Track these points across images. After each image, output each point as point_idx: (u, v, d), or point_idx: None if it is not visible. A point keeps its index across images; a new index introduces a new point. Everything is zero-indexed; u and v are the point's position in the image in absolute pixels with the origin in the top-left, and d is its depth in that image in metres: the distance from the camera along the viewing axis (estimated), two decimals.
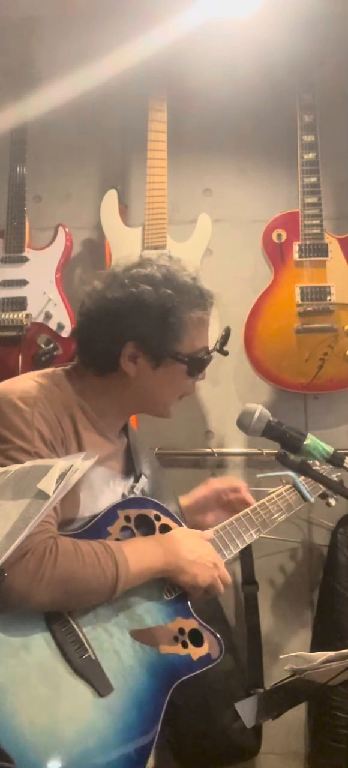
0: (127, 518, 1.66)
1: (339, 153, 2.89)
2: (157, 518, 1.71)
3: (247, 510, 1.84)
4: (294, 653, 1.61)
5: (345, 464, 1.56)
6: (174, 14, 2.56)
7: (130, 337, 1.67)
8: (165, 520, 1.72)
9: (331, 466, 1.62)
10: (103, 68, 2.64)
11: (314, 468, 1.69)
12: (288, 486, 1.93)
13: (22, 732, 1.39)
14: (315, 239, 2.71)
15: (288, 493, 1.91)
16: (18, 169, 2.80)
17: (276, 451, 1.60)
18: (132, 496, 1.74)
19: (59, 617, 1.50)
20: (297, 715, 2.67)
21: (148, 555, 1.60)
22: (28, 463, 1.30)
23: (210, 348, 1.76)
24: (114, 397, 1.73)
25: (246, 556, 2.58)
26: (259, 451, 2.72)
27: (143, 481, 1.79)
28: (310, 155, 2.73)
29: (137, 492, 1.76)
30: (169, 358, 1.68)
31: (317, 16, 2.68)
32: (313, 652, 1.82)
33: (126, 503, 1.69)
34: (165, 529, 1.71)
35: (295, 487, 1.93)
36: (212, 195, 2.98)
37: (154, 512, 1.71)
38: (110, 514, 1.65)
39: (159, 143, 2.75)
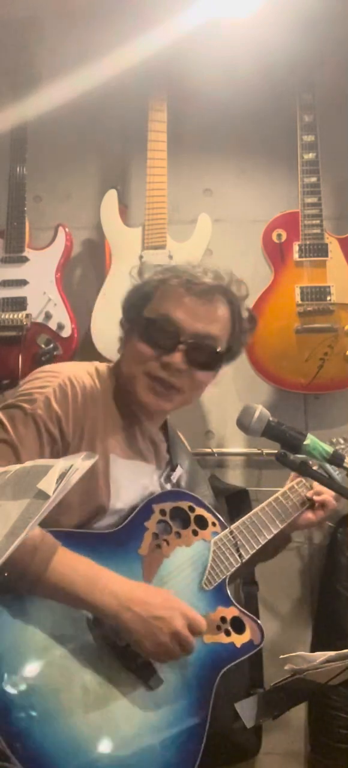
0: (163, 512, 1.68)
1: (339, 153, 2.89)
2: (192, 509, 1.73)
3: (263, 505, 1.84)
4: (294, 653, 1.61)
5: (345, 464, 1.56)
6: (174, 14, 2.56)
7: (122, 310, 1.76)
8: (199, 511, 1.74)
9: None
10: (103, 68, 2.64)
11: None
12: (299, 479, 1.89)
13: (80, 730, 1.42)
14: (315, 239, 2.71)
15: (299, 486, 1.89)
16: (18, 169, 2.80)
17: (276, 451, 1.60)
18: (166, 489, 1.76)
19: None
20: (297, 715, 2.67)
21: (78, 579, 1.47)
22: (29, 463, 1.30)
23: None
24: (122, 376, 1.75)
25: None
26: (259, 451, 2.72)
27: (179, 471, 1.81)
28: (310, 155, 2.73)
29: (173, 480, 1.78)
30: (136, 322, 1.71)
31: (317, 16, 2.68)
32: (313, 652, 1.82)
33: (160, 497, 1.70)
34: (199, 520, 1.72)
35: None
36: (212, 195, 2.98)
37: (189, 504, 1.73)
38: (146, 509, 1.67)
39: (159, 143, 2.75)
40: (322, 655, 1.53)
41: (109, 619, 1.49)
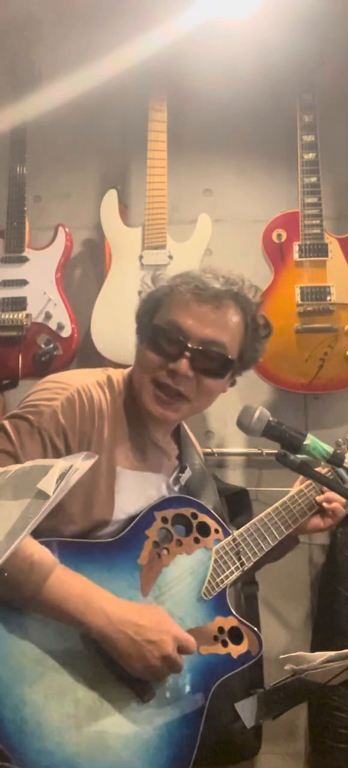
0: (164, 519, 1.66)
1: (339, 153, 2.89)
2: (194, 516, 1.70)
3: (269, 510, 1.81)
4: (294, 653, 1.61)
5: (345, 464, 1.56)
6: (174, 14, 2.56)
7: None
8: (202, 518, 1.71)
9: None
10: (103, 68, 2.64)
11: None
12: (307, 482, 1.86)
13: (70, 742, 1.41)
14: (315, 239, 2.71)
15: (309, 489, 1.86)
16: (18, 169, 2.80)
17: (276, 451, 1.60)
18: (173, 493, 1.74)
19: None
20: (297, 715, 2.67)
21: (71, 599, 1.47)
22: (29, 463, 1.30)
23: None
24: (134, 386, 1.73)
25: None
26: (259, 451, 2.72)
27: (188, 473, 1.79)
28: (310, 155, 2.73)
29: (182, 483, 1.76)
30: (146, 330, 1.68)
31: (317, 16, 2.68)
32: (313, 652, 1.82)
33: (162, 504, 1.68)
34: (202, 527, 1.70)
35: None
36: (212, 195, 2.98)
37: (191, 510, 1.70)
38: (147, 516, 1.65)
39: (159, 143, 2.75)
40: (322, 655, 1.53)
41: (99, 640, 1.48)
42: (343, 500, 1.82)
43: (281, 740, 2.69)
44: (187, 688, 1.57)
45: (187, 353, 1.60)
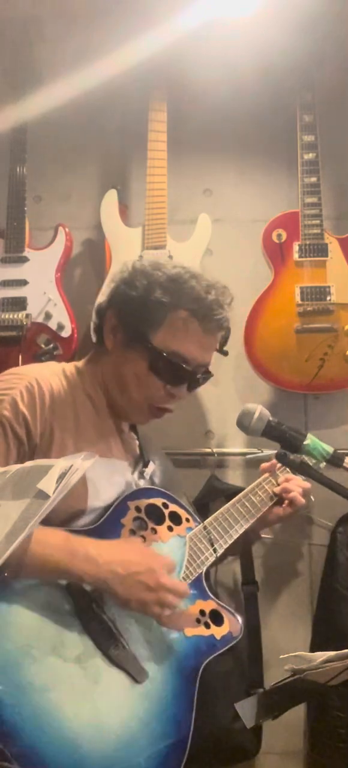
0: (138, 509, 1.70)
1: (339, 153, 2.89)
2: (165, 506, 1.76)
3: (234, 501, 1.87)
4: (294, 653, 1.61)
5: (345, 464, 1.56)
6: (174, 14, 2.56)
7: (112, 306, 1.74)
8: (173, 507, 1.77)
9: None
10: (103, 68, 2.64)
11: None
12: (265, 475, 1.95)
13: (68, 728, 1.43)
14: (315, 239, 2.71)
15: (266, 482, 1.93)
16: (18, 169, 2.79)
17: (276, 451, 1.60)
18: (140, 487, 1.77)
19: (90, 611, 1.54)
20: (297, 715, 2.66)
21: (56, 554, 1.50)
22: (29, 463, 1.31)
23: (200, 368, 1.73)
24: (106, 380, 1.76)
25: (246, 555, 2.57)
26: (259, 451, 2.72)
27: (152, 467, 1.83)
28: (310, 155, 2.73)
29: (147, 477, 1.80)
30: (139, 341, 1.69)
31: (317, 16, 2.68)
32: (313, 652, 1.82)
33: (134, 494, 1.72)
34: (174, 516, 1.75)
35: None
36: (212, 195, 2.98)
37: (162, 501, 1.76)
38: (121, 506, 1.68)
39: (159, 143, 2.75)
40: (322, 655, 1.53)
41: (92, 585, 1.52)
42: (300, 489, 1.90)
43: (281, 740, 2.69)
44: (178, 669, 1.61)
45: (190, 380, 1.71)
